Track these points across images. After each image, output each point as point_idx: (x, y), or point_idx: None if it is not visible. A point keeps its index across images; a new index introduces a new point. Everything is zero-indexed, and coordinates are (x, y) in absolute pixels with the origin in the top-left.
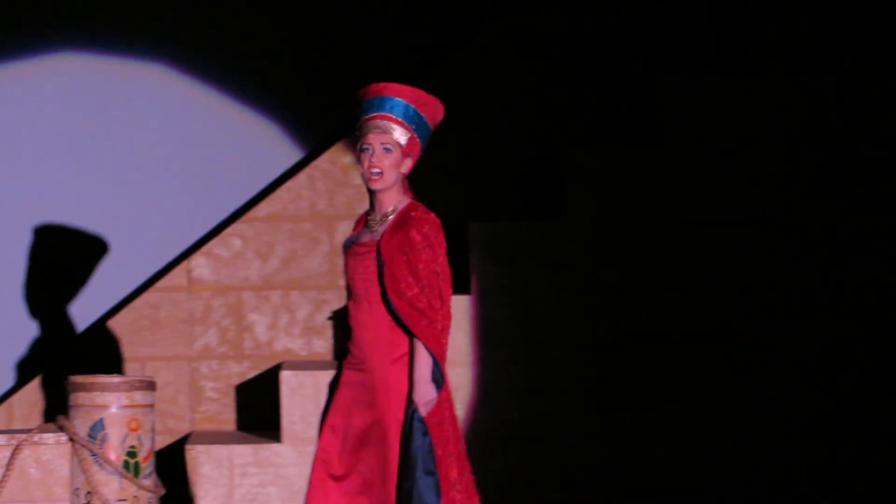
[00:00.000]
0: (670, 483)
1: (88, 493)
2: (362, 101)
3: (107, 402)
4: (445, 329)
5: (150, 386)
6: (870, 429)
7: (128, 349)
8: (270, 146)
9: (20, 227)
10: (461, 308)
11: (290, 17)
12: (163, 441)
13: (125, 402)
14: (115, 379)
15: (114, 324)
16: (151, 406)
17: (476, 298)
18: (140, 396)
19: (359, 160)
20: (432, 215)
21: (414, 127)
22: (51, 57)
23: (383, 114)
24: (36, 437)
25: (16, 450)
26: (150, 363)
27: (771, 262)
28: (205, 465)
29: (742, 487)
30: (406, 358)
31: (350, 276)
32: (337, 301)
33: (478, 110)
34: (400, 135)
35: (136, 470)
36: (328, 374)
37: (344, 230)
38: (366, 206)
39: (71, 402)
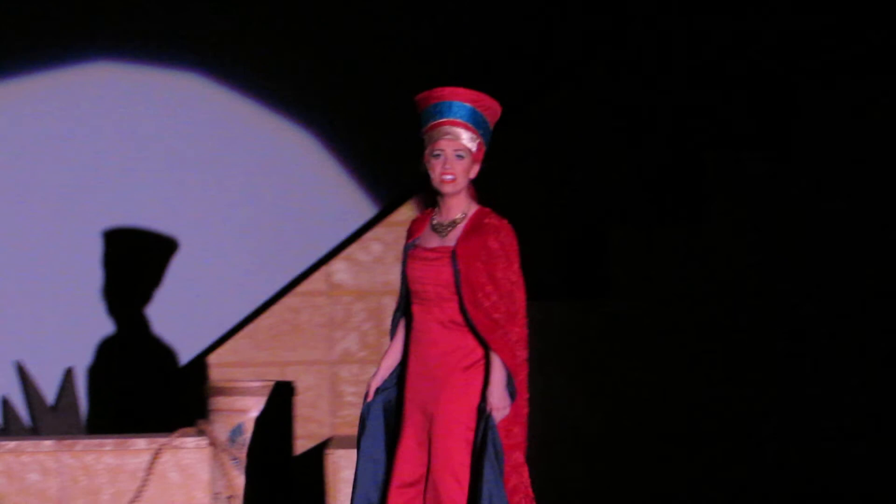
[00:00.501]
0: None
1: (230, 497)
2: (426, 105)
3: (247, 407)
4: (521, 339)
5: (290, 391)
6: None
7: (268, 354)
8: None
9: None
10: None
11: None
12: (303, 445)
13: (265, 406)
14: (255, 383)
15: (254, 328)
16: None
17: None
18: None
19: (427, 165)
20: (506, 222)
21: (481, 132)
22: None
23: (453, 119)
24: (176, 442)
25: (156, 454)
26: (289, 368)
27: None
28: (345, 469)
29: None
30: (478, 364)
31: (418, 281)
32: None
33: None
34: (469, 140)
35: None
36: None
37: None
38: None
39: (210, 407)
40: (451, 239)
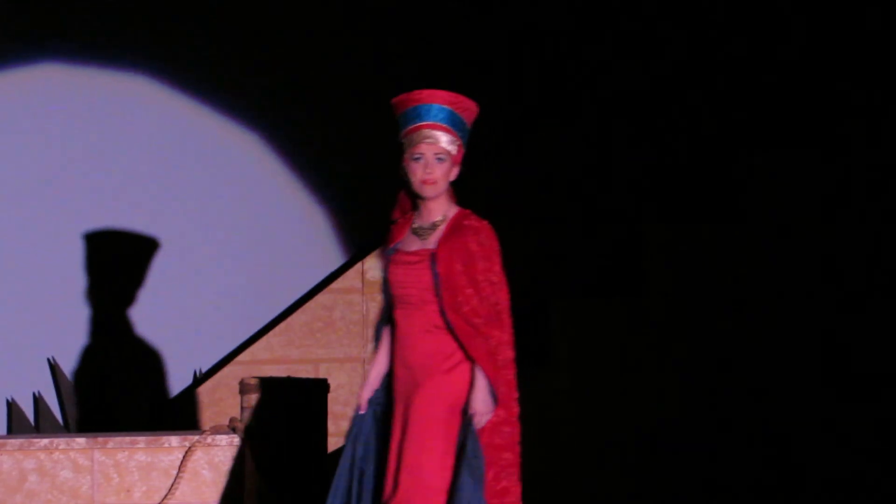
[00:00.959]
0: None
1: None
2: (403, 108)
3: (280, 404)
4: (503, 343)
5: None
6: None
7: (301, 351)
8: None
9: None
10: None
11: None
12: (336, 443)
13: (298, 403)
14: (288, 380)
15: (287, 325)
16: None
17: None
18: None
19: (407, 169)
20: (486, 223)
21: (460, 133)
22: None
23: (432, 122)
24: (209, 439)
25: (188, 451)
26: (323, 365)
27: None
28: None
29: None
30: (460, 366)
31: (399, 285)
32: None
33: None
34: (449, 143)
35: None
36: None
37: None
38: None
39: (244, 404)
40: (432, 242)
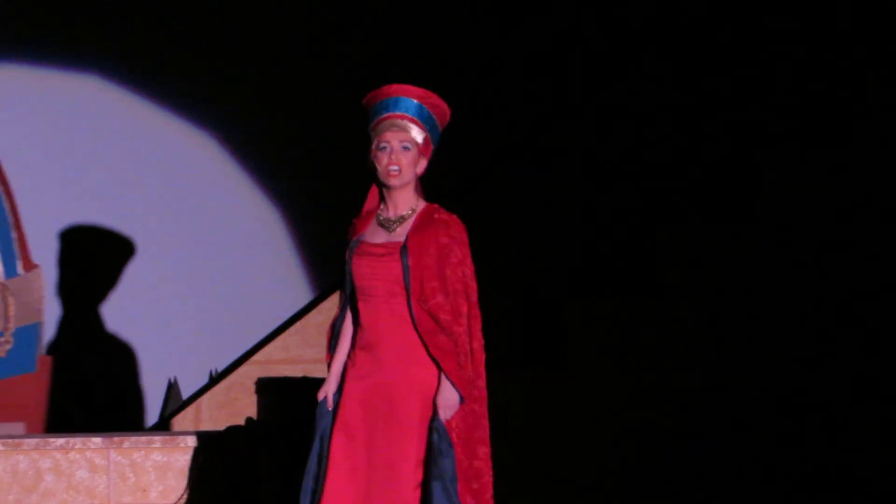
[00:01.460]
0: None
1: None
2: (373, 103)
3: (296, 403)
4: (474, 335)
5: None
6: None
7: (316, 350)
8: None
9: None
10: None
11: None
12: None
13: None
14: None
15: (303, 325)
16: None
17: None
18: None
19: (374, 160)
20: (455, 217)
21: (428, 128)
22: None
23: (399, 113)
24: (225, 439)
25: (204, 451)
26: None
27: None
28: None
29: None
30: (428, 359)
31: (365, 277)
32: None
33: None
34: (416, 133)
35: None
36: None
37: None
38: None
39: (259, 404)
40: (401, 234)
